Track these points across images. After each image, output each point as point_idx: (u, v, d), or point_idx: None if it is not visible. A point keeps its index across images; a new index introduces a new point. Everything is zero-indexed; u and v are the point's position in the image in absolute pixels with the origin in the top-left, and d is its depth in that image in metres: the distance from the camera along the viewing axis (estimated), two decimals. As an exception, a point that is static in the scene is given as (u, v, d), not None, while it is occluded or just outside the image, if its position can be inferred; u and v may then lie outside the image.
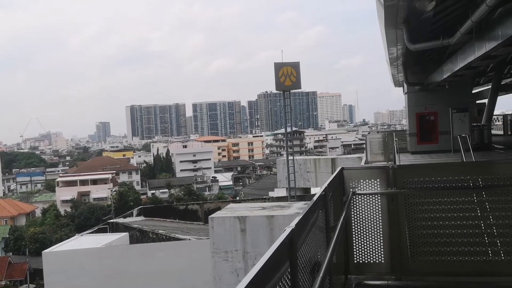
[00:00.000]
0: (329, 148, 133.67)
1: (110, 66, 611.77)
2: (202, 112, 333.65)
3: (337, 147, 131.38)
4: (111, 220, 27.81)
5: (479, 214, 5.10)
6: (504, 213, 5.01)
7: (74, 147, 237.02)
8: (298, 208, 10.50)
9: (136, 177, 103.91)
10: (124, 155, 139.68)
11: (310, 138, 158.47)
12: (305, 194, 29.69)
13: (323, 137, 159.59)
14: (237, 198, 64.97)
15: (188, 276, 16.18)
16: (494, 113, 30.78)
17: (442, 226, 5.17)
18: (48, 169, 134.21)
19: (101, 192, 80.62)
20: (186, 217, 29.36)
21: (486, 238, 5.07)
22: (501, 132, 33.82)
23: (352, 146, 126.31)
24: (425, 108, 23.55)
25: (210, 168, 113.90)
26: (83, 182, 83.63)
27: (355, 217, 5.32)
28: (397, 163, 14.75)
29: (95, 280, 17.07)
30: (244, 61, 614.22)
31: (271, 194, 39.89)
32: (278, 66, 28.29)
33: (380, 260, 5.28)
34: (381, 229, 5.28)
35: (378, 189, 5.31)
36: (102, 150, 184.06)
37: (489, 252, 5.04)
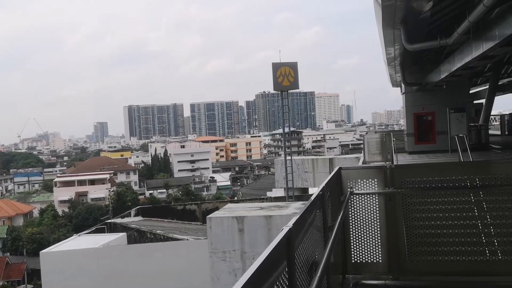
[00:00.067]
0: (327, 148, 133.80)
1: (107, 66, 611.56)
2: (200, 112, 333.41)
3: (335, 147, 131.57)
4: (109, 220, 27.81)
5: (477, 214, 5.11)
6: (501, 213, 5.02)
7: (72, 147, 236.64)
8: (296, 208, 10.51)
9: (134, 177, 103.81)
10: (122, 155, 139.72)
11: (308, 138, 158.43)
12: (303, 194, 29.71)
13: (321, 137, 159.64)
14: (235, 198, 64.92)
15: (186, 276, 16.19)
16: (492, 113, 30.86)
17: (440, 226, 5.18)
18: (45, 169, 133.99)
19: (99, 192, 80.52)
20: (184, 217, 29.36)
21: (483, 238, 5.08)
22: (499, 132, 33.92)
23: (350, 146, 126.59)
24: (423, 108, 23.59)
25: (208, 168, 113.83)
26: (81, 182, 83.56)
27: (353, 216, 5.32)
28: (395, 163, 14.78)
29: (93, 280, 17.06)
30: (241, 61, 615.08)
31: (269, 194, 39.89)
32: (276, 66, 28.28)
33: (377, 259, 5.29)
34: (378, 229, 5.29)
35: (376, 189, 5.31)
36: (100, 150, 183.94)
37: (487, 251, 5.05)
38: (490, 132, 27.34)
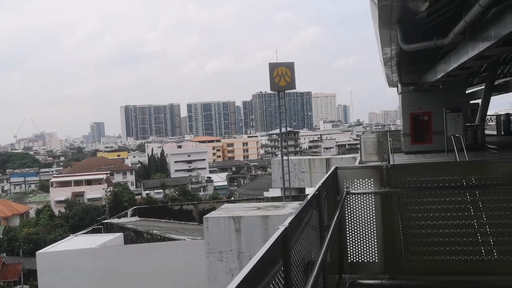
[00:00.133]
0: (324, 148, 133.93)
1: (105, 66, 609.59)
2: (197, 112, 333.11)
3: (332, 147, 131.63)
4: (106, 221, 27.77)
5: (473, 213, 5.13)
6: (497, 212, 5.04)
7: (68, 147, 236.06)
8: (293, 208, 10.51)
9: (130, 178, 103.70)
10: (118, 156, 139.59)
11: (304, 138, 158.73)
12: (299, 194, 29.74)
13: (318, 137, 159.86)
14: (232, 198, 64.94)
15: (183, 276, 16.18)
16: (488, 113, 30.96)
17: (436, 226, 5.19)
18: (42, 170, 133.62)
19: (96, 193, 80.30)
20: (181, 217, 29.36)
21: (479, 237, 5.09)
22: (495, 132, 34.02)
23: (347, 146, 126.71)
24: (419, 108, 23.64)
25: (205, 168, 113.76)
26: (77, 183, 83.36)
27: (349, 216, 5.33)
28: (391, 163, 14.80)
29: (90, 280, 17.03)
30: (239, 61, 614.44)
31: (266, 194, 39.81)
32: (273, 67, 28.33)
33: (374, 259, 5.29)
34: (375, 229, 5.29)
35: (372, 188, 5.32)
36: (97, 151, 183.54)
37: (483, 251, 5.06)
38: (486, 132, 27.41)
